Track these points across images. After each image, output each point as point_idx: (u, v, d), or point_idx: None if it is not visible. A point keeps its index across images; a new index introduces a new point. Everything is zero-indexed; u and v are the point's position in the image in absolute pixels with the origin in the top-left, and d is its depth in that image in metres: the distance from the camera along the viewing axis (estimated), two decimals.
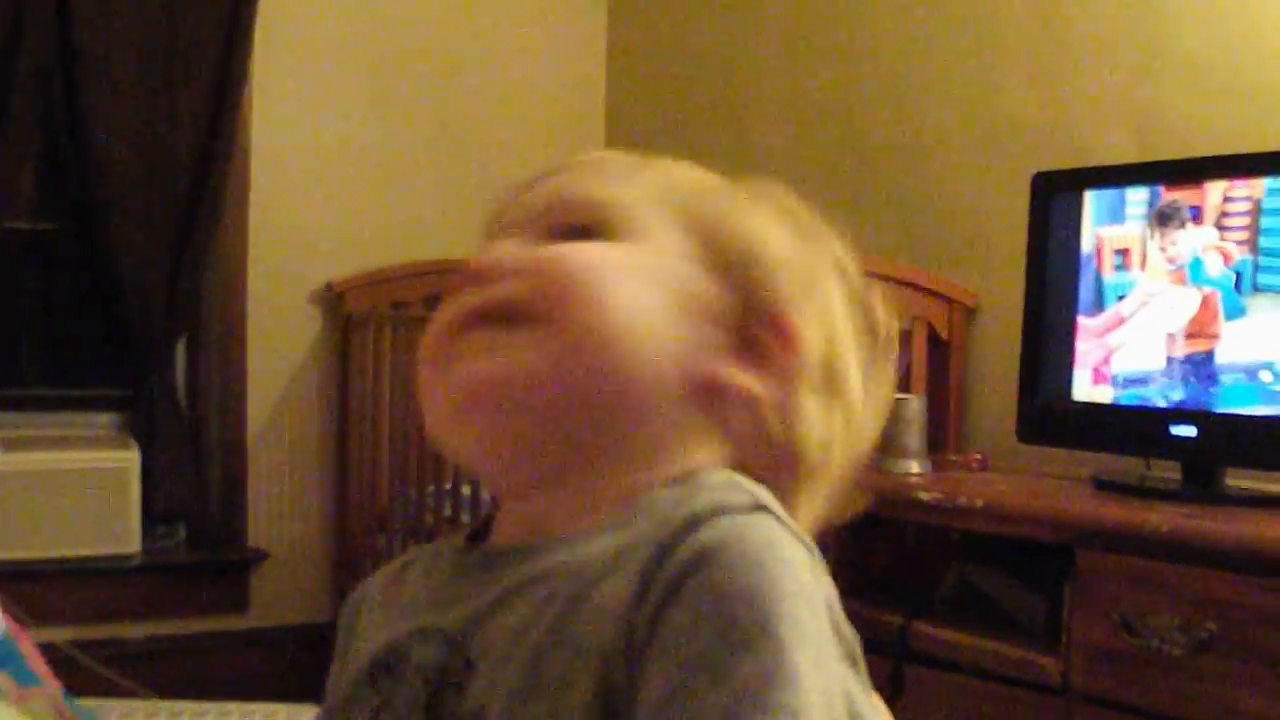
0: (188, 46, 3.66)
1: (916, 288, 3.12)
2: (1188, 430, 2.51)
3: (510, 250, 0.80)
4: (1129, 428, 2.64)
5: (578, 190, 0.82)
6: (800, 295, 0.81)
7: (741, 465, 0.79)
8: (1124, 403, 2.63)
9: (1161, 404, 2.57)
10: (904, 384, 3.08)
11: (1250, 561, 2.16)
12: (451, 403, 0.80)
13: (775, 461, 0.80)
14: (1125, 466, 2.72)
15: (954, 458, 3.01)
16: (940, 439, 3.12)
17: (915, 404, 2.81)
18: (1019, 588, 2.59)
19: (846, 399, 0.83)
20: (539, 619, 0.73)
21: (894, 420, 2.75)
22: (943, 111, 3.34)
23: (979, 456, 2.95)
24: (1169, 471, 2.61)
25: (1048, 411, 2.74)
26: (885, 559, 2.89)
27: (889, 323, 0.87)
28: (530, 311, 0.77)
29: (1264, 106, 2.76)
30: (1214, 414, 2.49)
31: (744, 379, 0.79)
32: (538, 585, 0.75)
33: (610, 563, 0.73)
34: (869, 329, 0.85)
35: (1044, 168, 2.79)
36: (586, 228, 0.80)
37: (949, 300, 3.17)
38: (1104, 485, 2.61)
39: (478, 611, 0.77)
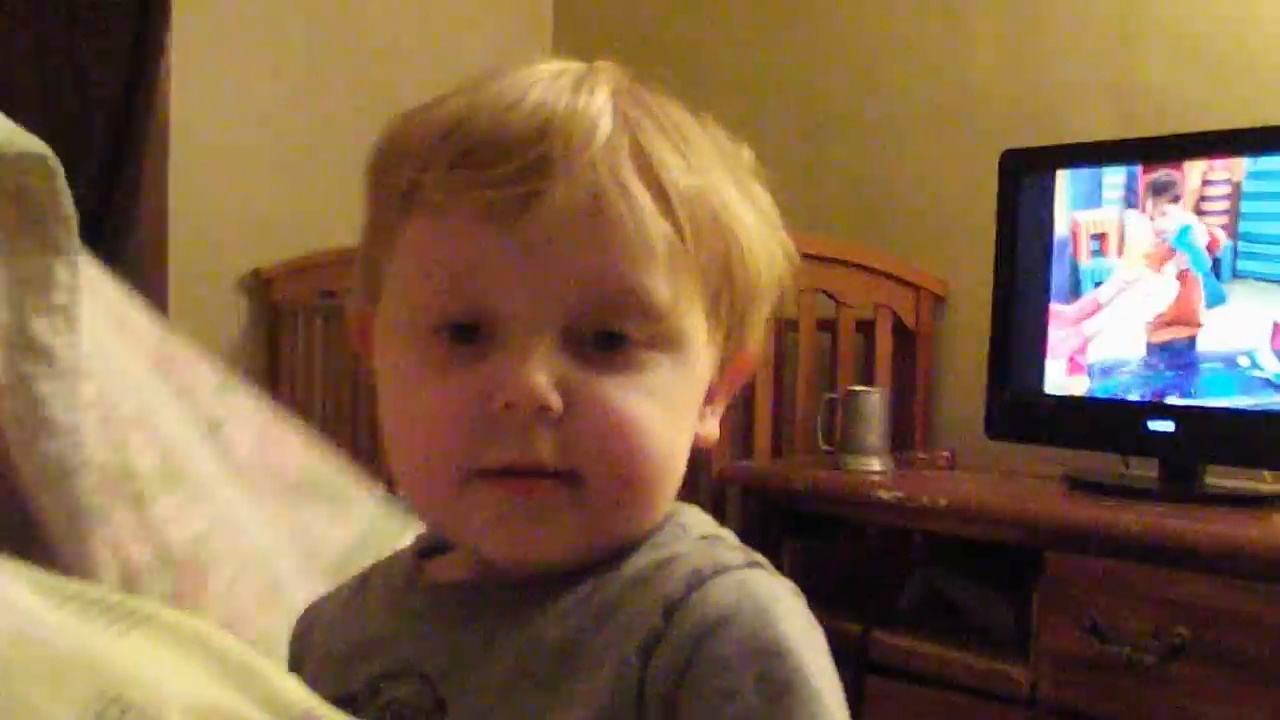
0: (97, 15, 3.65)
1: (881, 274, 3.12)
2: (1165, 425, 2.52)
3: (541, 388, 0.77)
4: (1104, 423, 2.65)
5: (644, 303, 0.79)
6: (762, 295, 0.87)
7: None
8: (1099, 395, 2.65)
9: (1138, 397, 2.58)
10: (867, 376, 3.09)
11: (1226, 563, 2.18)
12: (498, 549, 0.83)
13: None
14: (1102, 464, 2.73)
15: (921, 455, 3.02)
16: (907, 435, 3.13)
17: (876, 398, 2.81)
18: (985, 593, 2.61)
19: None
20: (527, 673, 0.78)
21: (854, 416, 2.79)
22: (908, 85, 3.35)
23: (946, 454, 2.96)
24: (1148, 469, 2.62)
25: (1018, 406, 2.75)
26: (845, 563, 2.90)
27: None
28: (566, 474, 0.79)
29: (1249, 81, 2.78)
30: (1193, 408, 2.51)
31: (714, 428, 0.90)
32: (520, 632, 0.80)
33: (602, 613, 0.79)
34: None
35: (1016, 145, 2.80)
36: (627, 335, 0.80)
37: (916, 288, 3.17)
38: (1077, 484, 2.62)
39: (454, 653, 0.81)
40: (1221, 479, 2.56)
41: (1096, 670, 2.28)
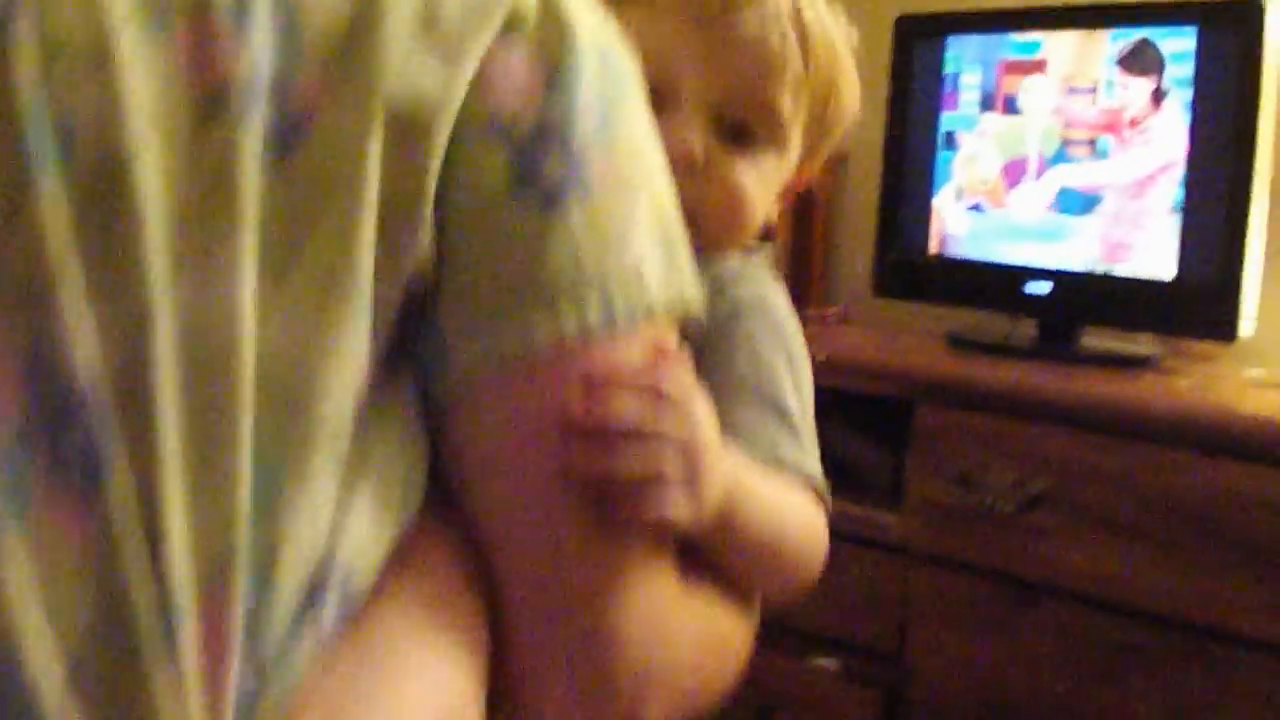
0: None
1: None
2: (1042, 287, 2.61)
3: (696, 150, 1.11)
4: (984, 283, 2.73)
5: (771, 105, 1.13)
6: (838, 132, 1.23)
7: None
8: (980, 257, 2.73)
9: (1016, 260, 2.66)
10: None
11: (1085, 419, 2.28)
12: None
13: None
14: (989, 323, 2.80)
15: (814, 312, 3.10)
16: (804, 292, 3.20)
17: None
18: (866, 445, 2.69)
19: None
20: None
21: None
22: None
23: (837, 310, 3.05)
24: (1034, 329, 2.71)
25: (904, 265, 2.83)
26: None
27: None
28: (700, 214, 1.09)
29: None
30: (1069, 271, 2.59)
31: (775, 213, 1.24)
32: None
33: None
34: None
35: (908, 11, 2.85)
36: (755, 134, 1.13)
37: None
38: (958, 342, 2.71)
39: None
40: (1100, 341, 2.66)
41: (962, 519, 2.39)
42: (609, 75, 0.80)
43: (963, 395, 2.42)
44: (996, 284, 2.71)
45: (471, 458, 0.79)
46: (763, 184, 1.15)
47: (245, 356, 0.67)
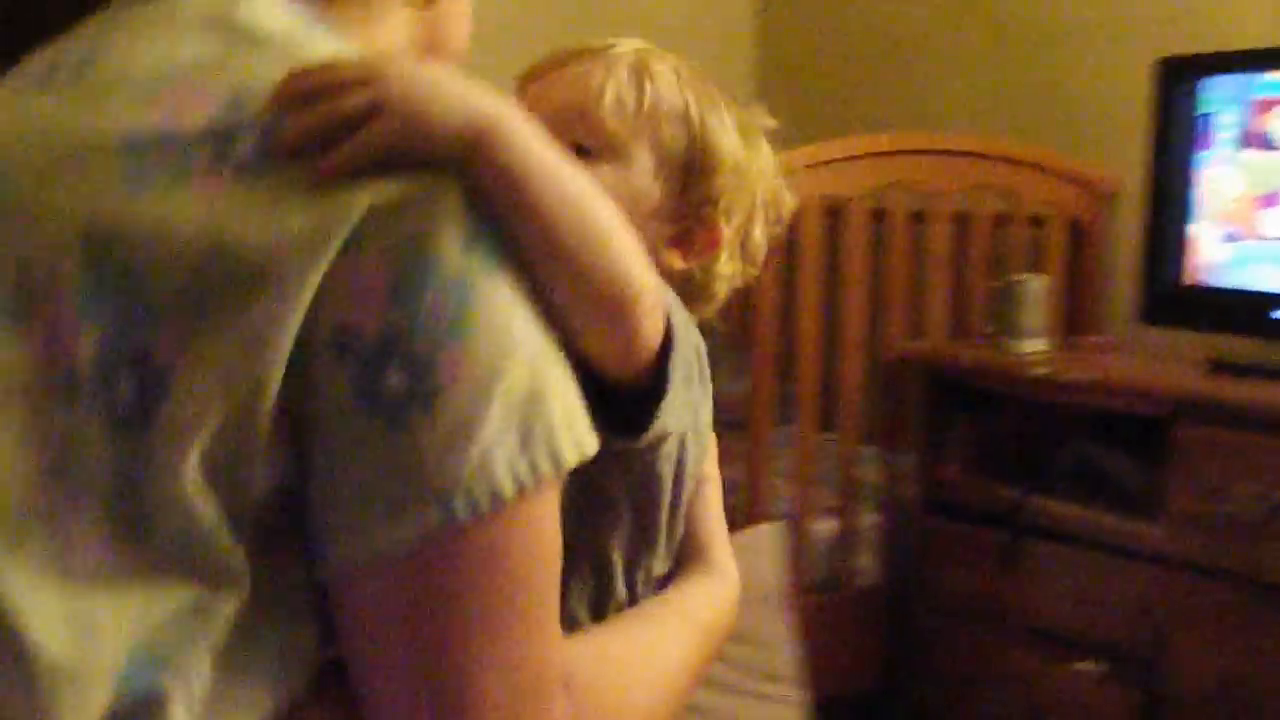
0: None
1: (1055, 173, 3.35)
2: None
3: None
4: (1243, 309, 2.89)
5: (594, 119, 1.17)
6: (732, 196, 1.22)
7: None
8: (1239, 286, 2.88)
9: (1271, 286, 2.81)
10: (1034, 265, 3.33)
11: None
12: None
13: (694, 294, 1.23)
14: (1246, 348, 2.94)
15: (1085, 340, 3.27)
16: (1077, 321, 3.38)
17: (1034, 284, 3.08)
18: (1125, 461, 2.86)
19: (750, 254, 1.26)
20: None
21: (1014, 301, 3.06)
22: None
23: (1106, 339, 3.22)
24: None
25: (1167, 294, 2.99)
26: (1006, 435, 3.16)
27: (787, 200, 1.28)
28: None
29: None
30: None
31: (675, 261, 1.21)
32: None
33: None
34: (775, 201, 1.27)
35: (1178, 51, 3.02)
36: (590, 149, 1.16)
37: (1088, 184, 3.40)
38: (1217, 365, 2.86)
39: None
40: None
41: (1214, 529, 2.55)
42: (471, 256, 0.82)
43: (1217, 413, 2.59)
44: (1252, 309, 2.86)
45: (348, 635, 0.86)
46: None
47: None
